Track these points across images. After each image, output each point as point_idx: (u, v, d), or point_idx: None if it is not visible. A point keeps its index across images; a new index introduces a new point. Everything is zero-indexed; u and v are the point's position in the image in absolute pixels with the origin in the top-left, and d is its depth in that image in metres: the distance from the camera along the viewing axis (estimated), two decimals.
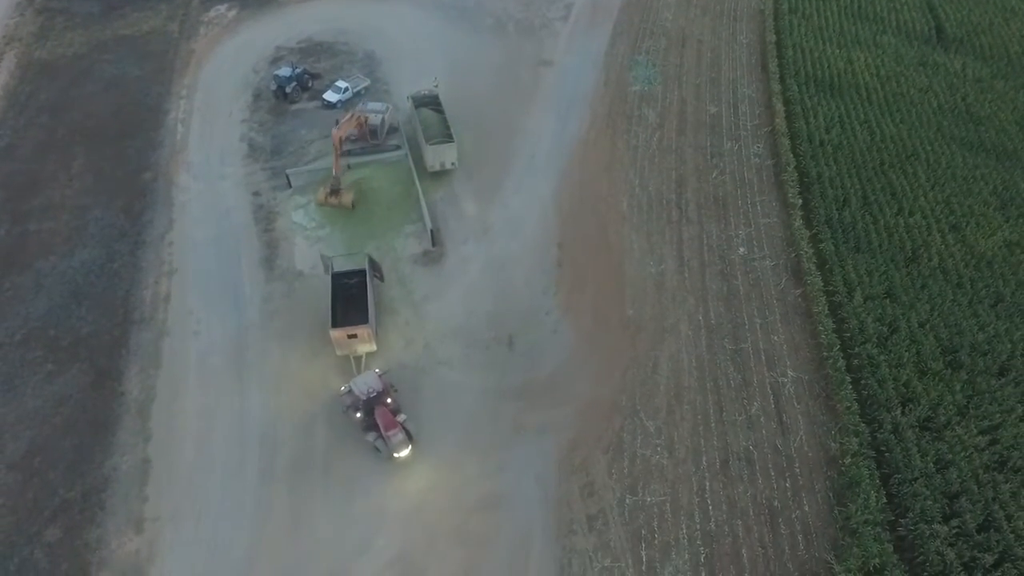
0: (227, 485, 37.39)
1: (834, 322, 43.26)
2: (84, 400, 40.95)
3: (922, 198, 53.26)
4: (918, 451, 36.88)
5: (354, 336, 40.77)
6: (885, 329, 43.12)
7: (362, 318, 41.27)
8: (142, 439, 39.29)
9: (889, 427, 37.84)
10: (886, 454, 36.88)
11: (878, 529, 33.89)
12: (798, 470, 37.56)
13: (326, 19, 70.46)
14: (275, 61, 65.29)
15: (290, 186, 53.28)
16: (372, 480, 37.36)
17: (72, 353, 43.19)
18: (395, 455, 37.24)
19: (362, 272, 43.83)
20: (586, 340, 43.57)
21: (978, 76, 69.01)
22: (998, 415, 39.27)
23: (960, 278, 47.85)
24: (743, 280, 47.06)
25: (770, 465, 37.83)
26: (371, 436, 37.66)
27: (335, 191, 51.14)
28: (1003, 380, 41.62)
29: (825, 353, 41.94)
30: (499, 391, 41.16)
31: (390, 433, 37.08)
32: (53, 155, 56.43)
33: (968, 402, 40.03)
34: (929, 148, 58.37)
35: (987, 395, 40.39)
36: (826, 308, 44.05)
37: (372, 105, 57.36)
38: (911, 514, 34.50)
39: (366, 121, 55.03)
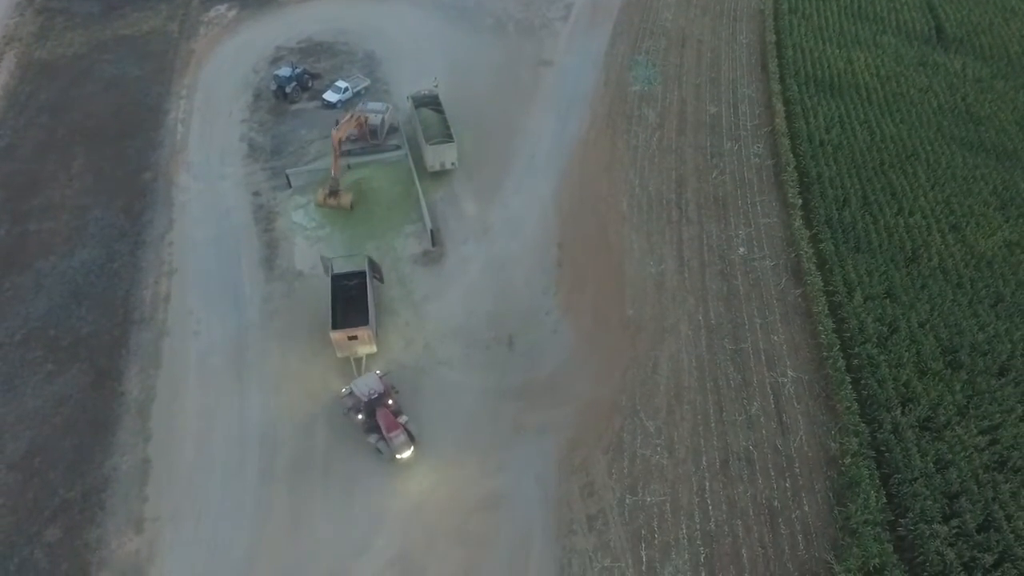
0: (227, 485, 37.39)
1: (834, 322, 43.26)
2: (84, 400, 40.96)
3: (922, 198, 53.26)
4: (918, 451, 36.88)
5: (354, 338, 40.75)
6: (885, 329, 43.12)
7: (362, 320, 41.26)
8: (142, 439, 39.30)
9: (889, 427, 37.84)
10: (886, 454, 36.88)
11: (878, 529, 33.89)
12: (798, 470, 37.57)
13: (326, 19, 70.47)
14: (275, 61, 65.31)
15: (290, 186, 53.28)
16: (372, 480, 37.36)
17: (72, 353, 43.20)
18: (397, 456, 37.21)
19: (362, 274, 43.81)
20: (586, 340, 43.58)
21: (978, 76, 69.01)
22: (998, 415, 39.27)
23: (960, 278, 47.85)
24: (743, 280, 47.06)
25: (770, 465, 37.84)
26: (373, 438, 37.63)
27: (334, 192, 51.14)
28: (1003, 380, 41.61)
29: (825, 353, 41.94)
30: (499, 391, 41.16)
31: (392, 434, 37.06)
32: (53, 155, 56.44)
33: (968, 402, 40.03)
34: (929, 148, 58.37)
35: (987, 395, 40.38)
36: (826, 308, 44.05)
37: (372, 105, 57.37)
38: (911, 514, 34.50)
39: (366, 121, 55.04)
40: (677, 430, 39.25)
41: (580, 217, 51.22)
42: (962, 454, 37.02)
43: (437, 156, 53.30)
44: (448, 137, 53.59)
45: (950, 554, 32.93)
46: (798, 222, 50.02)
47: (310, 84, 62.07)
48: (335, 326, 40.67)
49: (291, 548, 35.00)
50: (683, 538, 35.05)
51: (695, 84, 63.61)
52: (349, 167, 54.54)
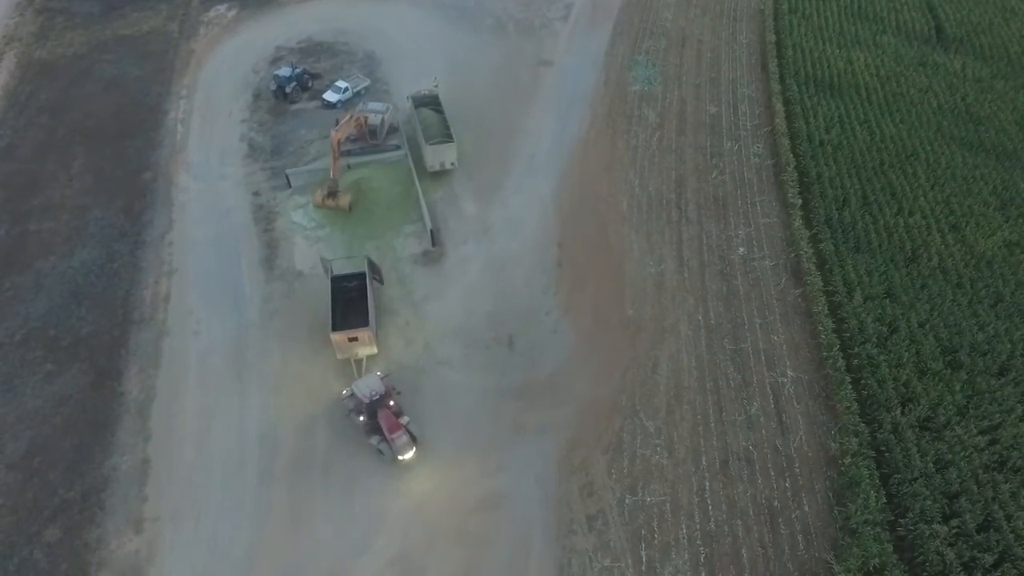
0: (227, 485, 37.38)
1: (834, 322, 43.26)
2: (84, 400, 40.95)
3: (922, 198, 53.26)
4: (918, 451, 36.88)
5: (355, 339, 40.71)
6: (885, 329, 43.12)
7: (362, 321, 41.22)
8: (142, 439, 39.29)
9: (889, 427, 37.84)
10: (886, 454, 36.88)
11: (878, 529, 33.89)
12: (798, 470, 37.56)
13: (326, 19, 70.49)
14: (275, 61, 65.32)
15: (290, 186, 53.28)
16: (372, 480, 37.35)
17: (72, 353, 43.20)
18: (399, 458, 37.16)
19: (362, 275, 43.76)
20: (586, 340, 43.57)
21: (978, 76, 69.02)
22: (998, 415, 39.26)
23: (960, 278, 47.85)
24: (743, 280, 47.06)
25: (770, 465, 37.83)
26: (374, 439, 37.59)
27: (332, 193, 51.12)
28: (1003, 380, 41.61)
29: (825, 353, 41.94)
30: (499, 391, 41.16)
31: (394, 436, 37.02)
32: (53, 155, 56.44)
33: (968, 402, 40.03)
34: (929, 148, 58.37)
35: (987, 395, 40.38)
36: (826, 308, 44.05)
37: (372, 105, 57.39)
38: (911, 514, 34.50)
39: (366, 121, 55.04)
40: (677, 430, 39.25)
41: (580, 217, 51.22)
42: (962, 454, 37.02)
43: (437, 156, 53.30)
44: (448, 137, 53.59)
45: (950, 554, 32.94)
46: (798, 222, 50.02)
47: (310, 84, 62.08)
48: (335, 328, 40.61)
49: (291, 548, 35.00)
50: (683, 538, 35.05)
51: (695, 84, 63.62)
52: (349, 167, 54.55)
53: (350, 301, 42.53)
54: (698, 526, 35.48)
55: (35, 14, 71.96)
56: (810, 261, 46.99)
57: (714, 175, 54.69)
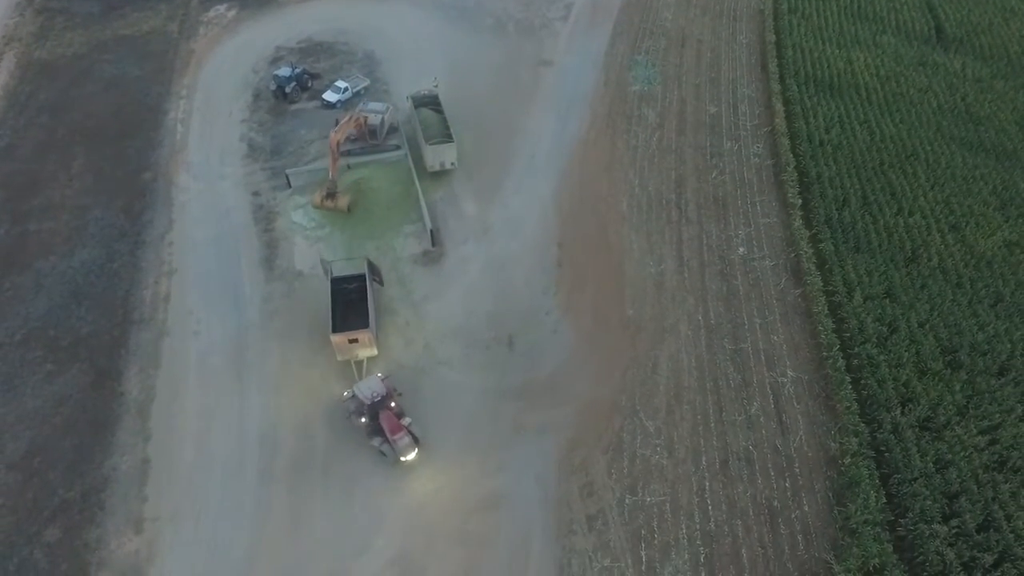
0: (227, 485, 37.37)
1: (834, 322, 43.27)
2: (84, 400, 40.94)
3: (922, 198, 53.27)
4: (918, 451, 36.89)
5: (355, 341, 40.65)
6: (885, 329, 43.12)
7: (363, 323, 41.15)
8: (142, 439, 39.28)
9: (889, 427, 37.85)
10: (886, 454, 36.89)
11: (878, 529, 33.90)
12: (798, 470, 37.57)
13: (326, 19, 70.49)
14: (275, 61, 65.31)
15: (290, 186, 53.28)
16: (372, 480, 37.35)
17: (72, 353, 43.19)
18: (402, 459, 37.13)
19: (361, 277, 43.70)
20: (586, 340, 43.57)
21: (978, 76, 69.03)
22: (998, 415, 39.27)
23: (960, 278, 47.86)
24: (743, 280, 47.06)
25: (770, 465, 37.84)
26: (376, 441, 37.54)
27: (331, 194, 51.09)
28: (1003, 380, 41.62)
29: (825, 353, 41.94)
30: (499, 391, 41.15)
31: (396, 437, 36.98)
32: (53, 155, 56.43)
33: (968, 402, 40.03)
34: (929, 148, 58.38)
35: (987, 395, 40.39)
36: (826, 308, 44.05)
37: (372, 105, 57.39)
38: (911, 514, 34.51)
39: (365, 121, 55.03)
40: (677, 430, 39.26)
41: (580, 217, 51.22)
42: (962, 454, 37.03)
43: (437, 156, 53.30)
44: (448, 137, 53.59)
45: (950, 554, 32.95)
46: (798, 222, 50.03)
47: (310, 84, 62.08)
48: (335, 330, 40.54)
49: (291, 548, 34.99)
50: (683, 538, 35.05)
51: (695, 84, 63.62)
52: (349, 167, 54.56)
53: (350, 303, 42.48)
54: (698, 526, 35.49)
55: (35, 14, 71.97)
56: (810, 261, 46.99)
57: (714, 175, 54.69)
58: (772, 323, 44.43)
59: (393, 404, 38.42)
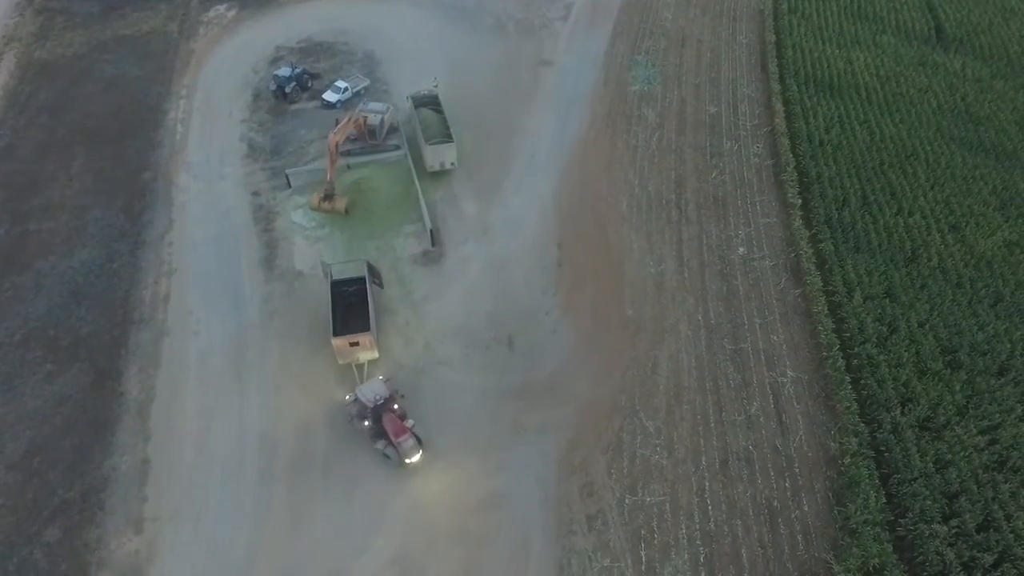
0: (226, 485, 37.37)
1: (834, 322, 43.26)
2: (84, 400, 40.95)
3: (922, 198, 53.27)
4: (918, 451, 36.89)
5: (356, 344, 40.57)
6: (885, 329, 43.12)
7: (363, 325, 41.09)
8: (142, 439, 39.28)
9: (889, 427, 37.84)
10: (885, 454, 36.89)
11: (877, 529, 33.89)
12: (798, 470, 37.56)
13: (326, 19, 70.50)
14: (275, 61, 65.32)
15: (289, 186, 53.28)
16: (371, 480, 37.34)
17: (72, 353, 43.19)
18: (406, 461, 37.11)
19: (361, 279, 43.62)
20: (586, 340, 43.57)
21: (978, 76, 69.03)
22: (998, 415, 39.27)
23: (960, 278, 47.86)
24: (743, 280, 47.06)
25: (770, 465, 37.83)
26: (380, 444, 37.48)
27: (328, 196, 51.03)
28: (1003, 380, 41.62)
29: (825, 353, 41.94)
30: (499, 391, 41.15)
31: (400, 439, 36.94)
32: (53, 155, 56.44)
33: (968, 402, 40.03)
34: (929, 148, 58.38)
35: (987, 395, 40.39)
36: (826, 308, 44.05)
37: (372, 105, 57.40)
38: (911, 514, 34.51)
39: (365, 121, 55.02)
40: (677, 430, 39.26)
41: (580, 217, 51.23)
42: (962, 454, 37.03)
43: (437, 156, 53.30)
44: (448, 137, 53.59)
45: (950, 554, 32.94)
46: (798, 222, 50.02)
47: (310, 84, 62.08)
48: (336, 333, 40.44)
49: (291, 548, 34.99)
50: (683, 538, 35.05)
51: (695, 84, 63.61)
52: (349, 167, 54.56)
53: (350, 306, 42.41)
54: (698, 526, 35.48)
55: (35, 14, 71.97)
56: (810, 261, 46.99)
57: (714, 175, 54.69)
58: (772, 323, 44.43)
59: (396, 406, 38.37)
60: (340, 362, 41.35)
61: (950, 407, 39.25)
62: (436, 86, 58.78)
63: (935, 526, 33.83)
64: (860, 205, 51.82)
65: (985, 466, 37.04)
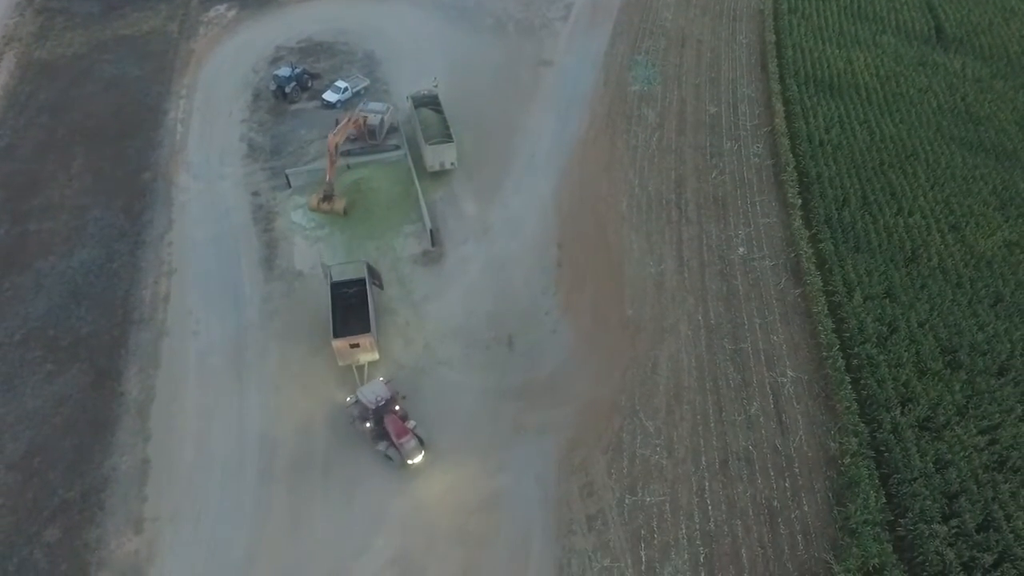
0: (226, 485, 37.38)
1: (833, 322, 43.26)
2: (84, 400, 40.95)
3: (922, 198, 53.26)
4: (917, 451, 36.88)
5: (356, 345, 40.55)
6: (885, 329, 43.12)
7: (364, 327, 41.06)
8: (141, 439, 39.29)
9: (888, 427, 37.84)
10: (885, 454, 36.89)
11: (877, 529, 33.89)
12: (797, 470, 37.56)
13: (326, 19, 70.49)
14: (275, 61, 65.31)
15: (289, 186, 53.28)
16: (371, 480, 37.35)
17: (72, 353, 43.19)
18: (408, 462, 37.10)
19: (361, 281, 43.59)
20: (586, 340, 43.57)
21: (978, 76, 69.03)
22: (997, 415, 39.27)
23: (960, 278, 47.86)
24: (743, 280, 47.05)
25: (769, 465, 37.83)
26: (382, 445, 37.48)
27: (327, 197, 50.99)
28: (1003, 380, 41.62)
29: (825, 353, 41.93)
30: (499, 391, 41.15)
31: (402, 440, 36.93)
32: (53, 155, 56.43)
33: (967, 402, 40.03)
34: (929, 148, 58.38)
35: (986, 395, 40.39)
36: (825, 308, 44.05)
37: (373, 105, 57.41)
38: (910, 514, 34.51)
39: (365, 121, 55.02)
40: (677, 430, 39.25)
41: (580, 217, 51.22)
42: (961, 454, 37.03)
43: (437, 156, 53.30)
44: (448, 137, 53.59)
45: (950, 554, 32.94)
46: (798, 222, 50.02)
47: (310, 84, 62.08)
48: (336, 335, 40.40)
49: (291, 548, 35.00)
50: (682, 538, 35.05)
51: (695, 84, 63.61)
52: (348, 167, 54.56)
53: (350, 307, 42.38)
54: (698, 526, 35.48)
55: (35, 14, 71.97)
56: (810, 261, 46.99)
57: (714, 175, 54.69)
58: (772, 323, 44.43)
59: (397, 407, 38.36)
60: (340, 363, 41.34)
61: (950, 407, 39.25)
62: (436, 86, 58.78)
63: (935, 526, 33.83)
64: (860, 205, 51.82)
65: (985, 466, 37.04)
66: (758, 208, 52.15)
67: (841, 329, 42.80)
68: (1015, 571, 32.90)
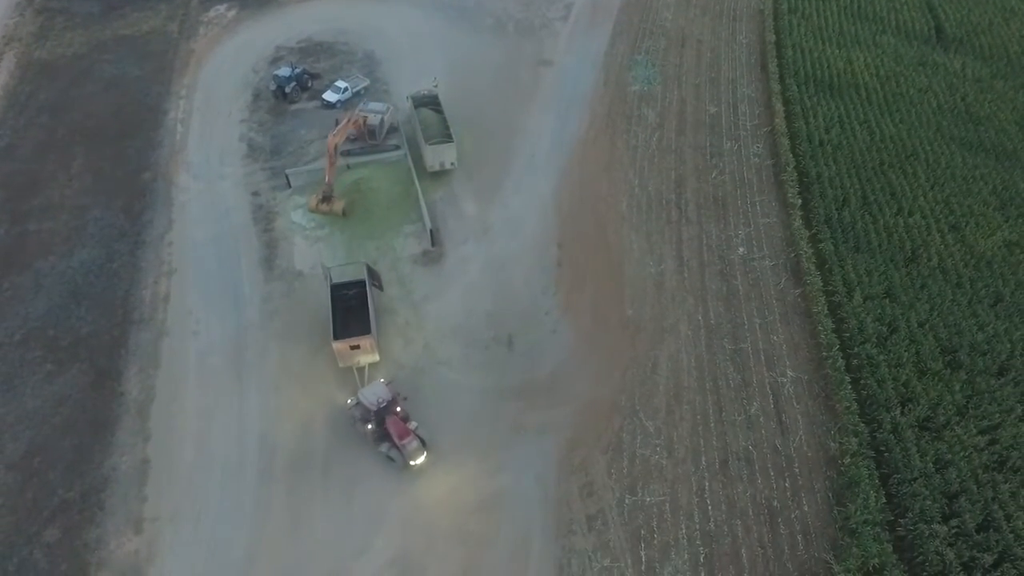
0: (226, 485, 37.38)
1: (833, 322, 43.25)
2: (84, 400, 40.95)
3: (922, 198, 53.26)
4: (917, 451, 36.88)
5: (356, 347, 40.53)
6: (884, 329, 43.11)
7: (364, 328, 41.02)
8: (141, 439, 39.29)
9: (888, 427, 37.83)
10: (885, 454, 36.88)
11: (877, 529, 33.88)
12: (797, 470, 37.56)
13: (326, 19, 70.50)
14: (275, 61, 65.32)
15: (289, 186, 53.28)
16: (371, 480, 37.35)
17: (72, 353, 43.19)
18: (411, 463, 37.08)
19: (361, 283, 43.54)
20: (585, 340, 43.57)
21: (978, 76, 69.02)
22: (997, 415, 39.26)
23: (960, 278, 47.85)
24: (743, 280, 47.05)
25: (769, 465, 37.83)
26: (384, 447, 37.44)
27: (327, 198, 50.95)
28: (1002, 380, 41.61)
29: (824, 353, 41.92)
30: (499, 391, 41.15)
31: (404, 441, 36.92)
32: (53, 155, 56.44)
33: (967, 402, 40.03)
34: (929, 148, 58.37)
35: (986, 395, 40.37)
36: (825, 308, 44.04)
37: (373, 105, 57.41)
38: (910, 514, 34.50)
39: (365, 121, 55.01)
40: (676, 430, 39.25)
41: (580, 217, 51.22)
42: (961, 454, 37.02)
43: (437, 156, 53.30)
44: (448, 137, 53.59)
45: (950, 554, 32.93)
46: (798, 222, 50.01)
47: (310, 84, 62.08)
48: (336, 336, 40.35)
49: (291, 548, 35.00)
50: (682, 538, 35.05)
51: (695, 84, 63.61)
52: (348, 167, 54.55)
53: (350, 309, 42.34)
54: (698, 526, 35.48)
55: (35, 14, 71.97)
56: (810, 261, 46.98)
57: (714, 175, 54.69)
58: (772, 323, 44.42)
59: (399, 409, 38.36)
60: (340, 365, 41.33)
61: (950, 407, 39.25)
62: (436, 86, 58.78)
63: (935, 526, 33.82)
64: (860, 205, 51.81)
65: (985, 466, 37.03)
66: (758, 208, 52.14)
67: (841, 329, 42.79)
68: (1015, 571, 32.89)
